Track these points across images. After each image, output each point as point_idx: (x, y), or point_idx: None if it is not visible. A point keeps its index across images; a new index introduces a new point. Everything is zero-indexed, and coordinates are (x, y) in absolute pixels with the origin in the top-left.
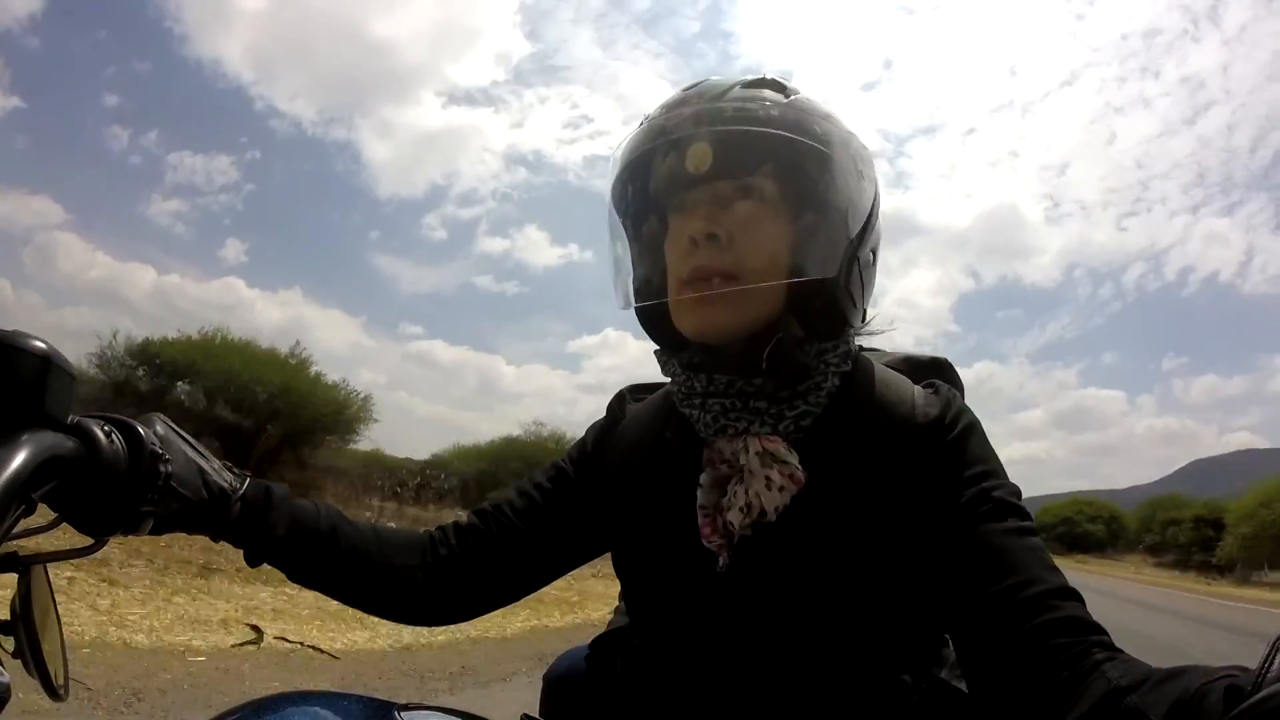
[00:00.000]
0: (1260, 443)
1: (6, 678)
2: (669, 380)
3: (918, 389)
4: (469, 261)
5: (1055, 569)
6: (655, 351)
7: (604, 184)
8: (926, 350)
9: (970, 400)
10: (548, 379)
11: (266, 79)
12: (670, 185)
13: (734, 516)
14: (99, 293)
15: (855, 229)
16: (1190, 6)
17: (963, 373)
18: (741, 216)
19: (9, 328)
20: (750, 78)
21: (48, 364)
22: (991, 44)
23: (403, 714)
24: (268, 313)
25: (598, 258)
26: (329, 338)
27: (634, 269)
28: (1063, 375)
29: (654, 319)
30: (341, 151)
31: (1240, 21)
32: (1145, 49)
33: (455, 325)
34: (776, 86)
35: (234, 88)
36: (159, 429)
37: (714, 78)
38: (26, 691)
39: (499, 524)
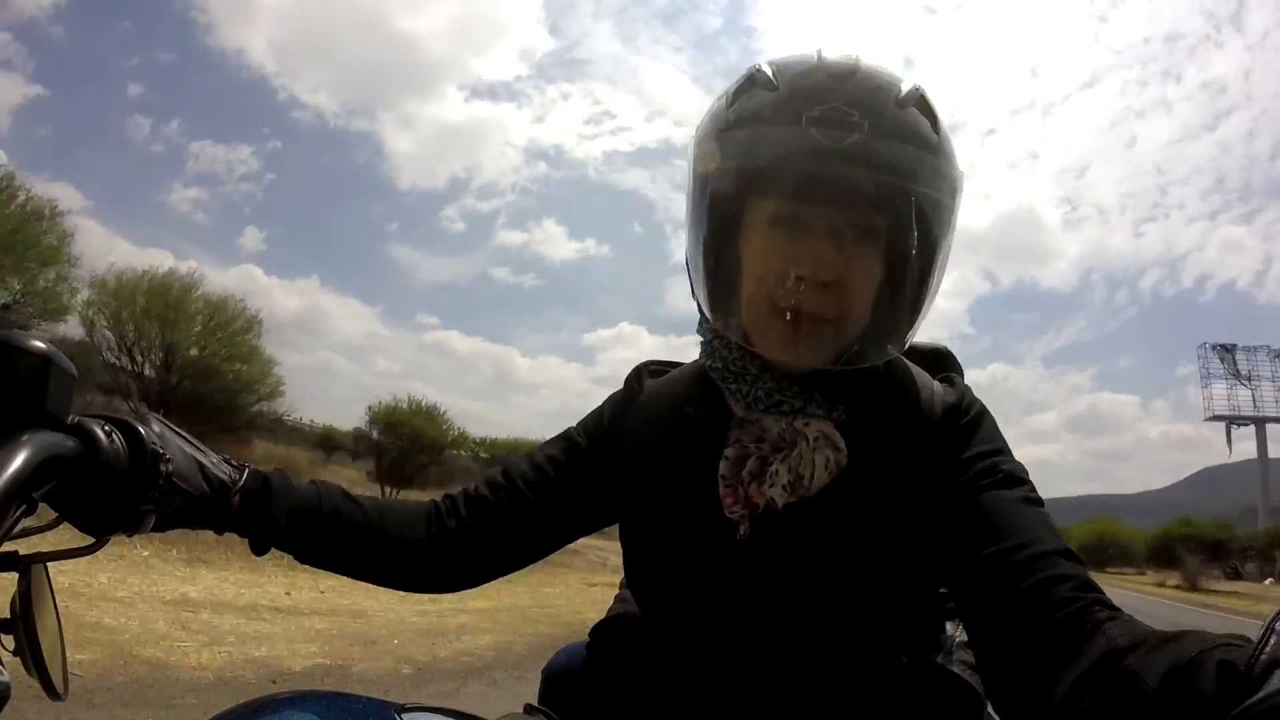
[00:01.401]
0: (1275, 451)
1: (6, 677)
2: (693, 359)
3: (935, 382)
4: (486, 253)
5: (1058, 534)
6: (703, 324)
7: (625, 179)
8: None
9: (984, 401)
10: (562, 371)
11: (289, 71)
12: (791, 192)
13: (776, 494)
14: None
15: (944, 268)
16: (1213, 11)
17: (977, 374)
18: (856, 261)
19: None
20: (904, 88)
21: (48, 364)
22: (1013, 45)
23: (403, 715)
24: (285, 300)
25: (615, 252)
26: (346, 326)
27: (717, 266)
28: (1077, 379)
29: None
30: (363, 143)
31: (1263, 27)
32: (1167, 52)
33: (471, 316)
34: (929, 114)
35: (257, 79)
36: (155, 427)
37: (865, 65)
38: None
39: (508, 494)
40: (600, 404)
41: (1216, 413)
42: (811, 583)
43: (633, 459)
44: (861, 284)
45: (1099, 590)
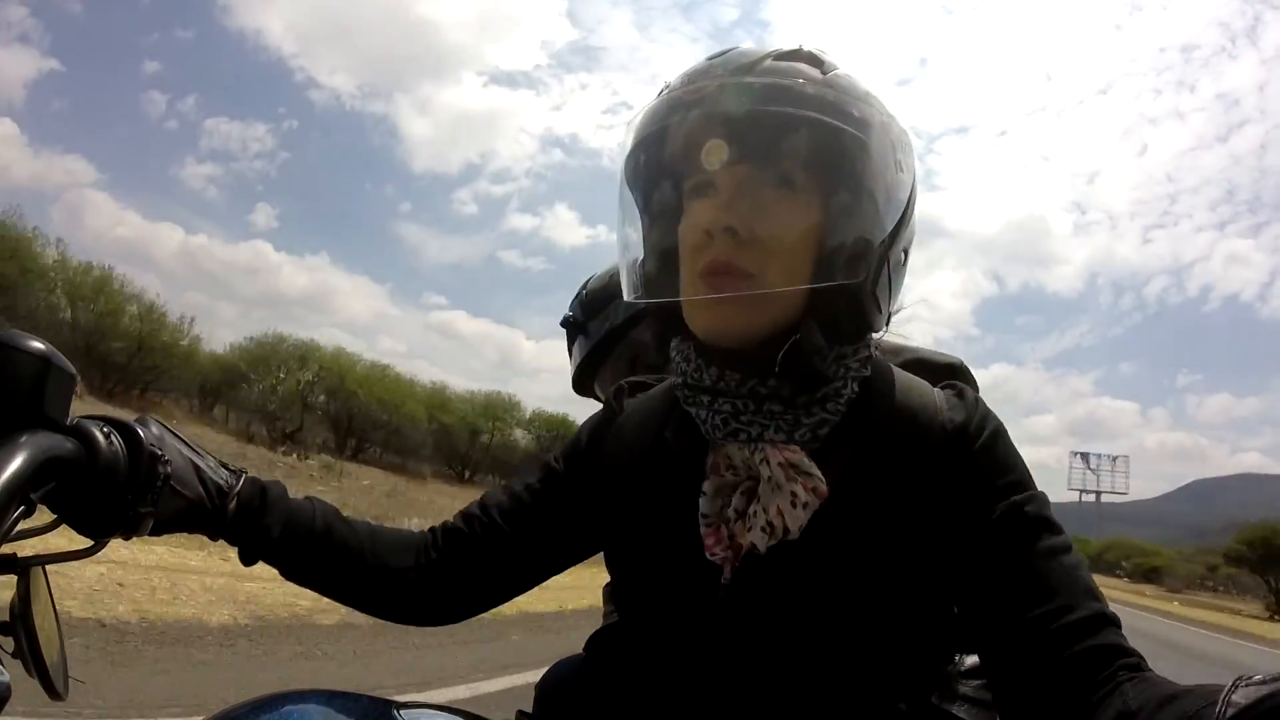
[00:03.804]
0: (1270, 466)
1: (6, 677)
2: (670, 375)
3: (939, 393)
4: (496, 236)
5: (1090, 591)
6: (672, 343)
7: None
8: (943, 350)
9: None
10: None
11: (307, 52)
12: (688, 166)
13: (756, 538)
14: (125, 250)
15: (889, 226)
16: (1229, 24)
17: (979, 374)
18: (764, 208)
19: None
20: (784, 48)
21: (47, 365)
22: (1029, 48)
23: (402, 712)
24: (294, 277)
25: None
26: (354, 304)
27: (644, 255)
28: (1078, 383)
29: (663, 306)
30: (379, 125)
31: (1278, 42)
32: (1182, 62)
33: (479, 297)
34: (813, 60)
35: (275, 59)
36: (154, 429)
37: (744, 45)
38: None
39: (483, 526)
40: (579, 427)
41: (1073, 486)
42: (803, 627)
43: (611, 486)
44: (771, 231)
45: (1129, 652)
